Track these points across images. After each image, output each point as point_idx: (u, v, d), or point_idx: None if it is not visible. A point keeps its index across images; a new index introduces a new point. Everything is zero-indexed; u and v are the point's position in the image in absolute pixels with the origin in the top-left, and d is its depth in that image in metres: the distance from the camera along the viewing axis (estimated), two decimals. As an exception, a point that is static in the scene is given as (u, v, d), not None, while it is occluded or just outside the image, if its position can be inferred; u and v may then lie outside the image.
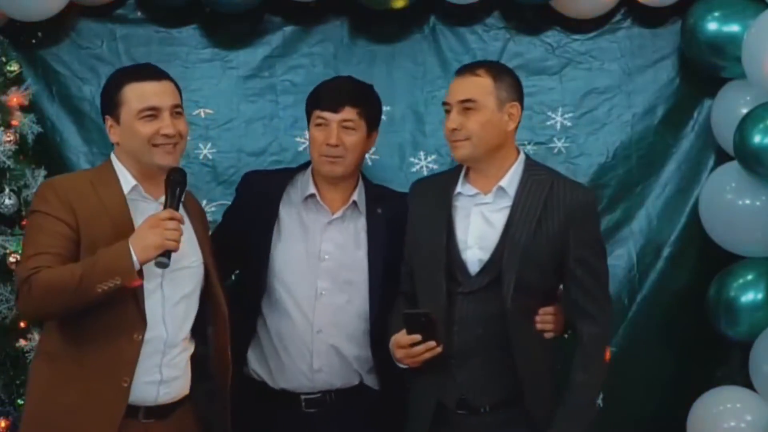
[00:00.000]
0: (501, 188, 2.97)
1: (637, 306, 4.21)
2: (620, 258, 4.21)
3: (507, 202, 2.96)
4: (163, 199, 2.90)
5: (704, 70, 4.15)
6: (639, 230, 4.22)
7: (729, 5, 4.03)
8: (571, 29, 4.23)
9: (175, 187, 2.85)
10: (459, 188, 3.02)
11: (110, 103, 2.94)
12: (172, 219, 2.76)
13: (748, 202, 3.97)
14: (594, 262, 2.97)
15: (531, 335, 2.96)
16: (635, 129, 4.22)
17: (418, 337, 2.89)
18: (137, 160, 2.94)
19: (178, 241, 2.75)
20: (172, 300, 2.92)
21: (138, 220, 2.86)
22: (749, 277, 3.98)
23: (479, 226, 2.97)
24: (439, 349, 2.89)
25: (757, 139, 3.76)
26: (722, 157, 4.15)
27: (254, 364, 3.24)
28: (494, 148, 2.97)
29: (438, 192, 3.04)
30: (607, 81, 4.22)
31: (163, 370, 2.90)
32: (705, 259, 4.18)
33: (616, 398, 4.17)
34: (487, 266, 2.92)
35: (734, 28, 3.98)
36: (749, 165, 3.84)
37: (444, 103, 3.03)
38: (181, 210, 2.93)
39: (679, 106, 4.23)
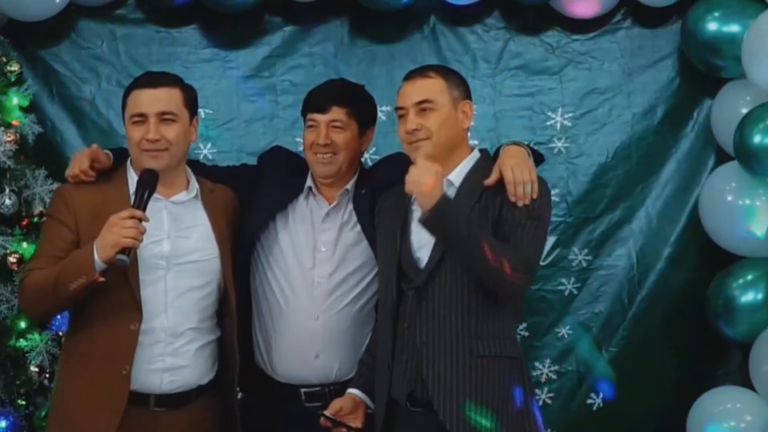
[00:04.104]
0: (449, 181, 3.00)
1: (637, 306, 4.22)
2: (620, 258, 4.23)
3: (454, 193, 3.00)
4: (178, 197, 3.07)
5: (704, 70, 4.15)
6: (639, 230, 4.23)
7: (729, 5, 4.03)
8: (571, 29, 4.24)
9: (143, 188, 2.95)
10: None
11: (122, 107, 3.11)
12: (131, 218, 2.84)
13: (748, 202, 3.97)
14: (522, 224, 2.87)
15: (445, 324, 2.89)
16: (635, 129, 4.23)
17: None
18: (136, 164, 3.07)
19: (136, 238, 2.84)
20: (176, 291, 3.02)
21: None
22: (749, 277, 3.99)
23: None
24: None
25: (757, 139, 3.76)
26: (722, 157, 4.16)
27: (258, 353, 3.29)
28: (451, 146, 3.01)
29: (396, 200, 3.10)
30: (607, 81, 4.23)
31: (166, 358, 2.99)
32: (705, 259, 4.19)
33: (616, 398, 4.18)
34: (432, 257, 2.95)
35: (734, 28, 3.99)
36: (749, 165, 3.84)
37: (398, 108, 3.05)
38: (199, 205, 3.11)
39: (679, 106, 4.24)
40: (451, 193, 2.98)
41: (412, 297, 2.96)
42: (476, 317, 2.90)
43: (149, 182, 2.96)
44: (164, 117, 3.01)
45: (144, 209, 2.90)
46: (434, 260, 2.92)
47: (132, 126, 3.02)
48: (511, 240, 2.86)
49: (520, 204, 2.88)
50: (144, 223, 2.86)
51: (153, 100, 3.01)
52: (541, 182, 2.97)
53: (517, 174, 2.90)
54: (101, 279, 2.86)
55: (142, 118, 3.00)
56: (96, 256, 2.82)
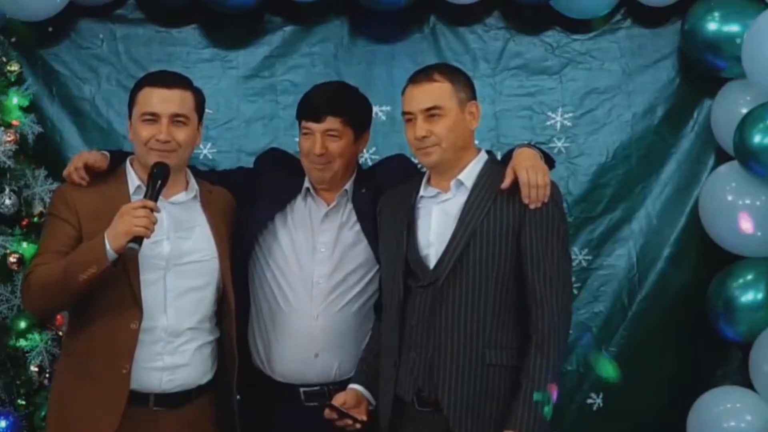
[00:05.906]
0: (459, 181, 3.01)
1: (637, 306, 4.22)
2: (620, 258, 4.22)
3: (465, 194, 3.00)
4: (177, 197, 3.08)
5: (704, 70, 4.15)
6: (639, 230, 4.23)
7: (729, 5, 4.03)
8: (571, 29, 4.24)
9: (155, 180, 2.97)
10: (422, 192, 3.07)
11: (130, 102, 3.10)
12: (143, 208, 2.86)
13: (748, 202, 3.97)
14: (552, 247, 2.91)
15: (459, 329, 2.90)
16: (635, 129, 4.23)
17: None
18: (140, 161, 3.08)
19: (147, 228, 2.85)
20: (176, 291, 3.03)
21: None
22: (749, 277, 3.98)
23: (440, 222, 3.01)
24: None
25: (757, 139, 3.76)
26: (722, 157, 4.15)
27: (255, 353, 3.30)
28: (460, 148, 3.01)
29: (401, 199, 3.10)
30: (607, 81, 4.23)
31: (165, 357, 3.00)
32: (705, 259, 4.18)
33: (616, 398, 4.18)
34: (443, 256, 2.95)
35: (734, 28, 3.98)
36: (749, 165, 3.84)
37: (405, 113, 3.03)
38: (198, 206, 3.13)
39: (679, 106, 4.23)
40: (463, 193, 2.98)
41: (421, 295, 2.96)
42: (490, 324, 2.90)
43: (161, 174, 2.97)
44: (176, 119, 3.03)
45: (156, 200, 2.91)
46: (450, 261, 2.91)
47: (141, 123, 3.03)
48: (547, 272, 2.89)
49: (532, 206, 2.90)
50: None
51: (166, 100, 3.02)
52: (556, 189, 2.98)
53: (532, 176, 2.91)
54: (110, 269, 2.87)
55: (153, 117, 3.01)
56: (108, 245, 2.83)
